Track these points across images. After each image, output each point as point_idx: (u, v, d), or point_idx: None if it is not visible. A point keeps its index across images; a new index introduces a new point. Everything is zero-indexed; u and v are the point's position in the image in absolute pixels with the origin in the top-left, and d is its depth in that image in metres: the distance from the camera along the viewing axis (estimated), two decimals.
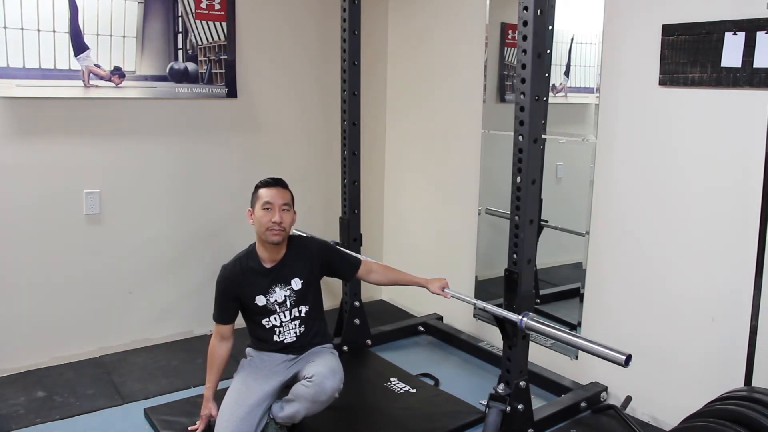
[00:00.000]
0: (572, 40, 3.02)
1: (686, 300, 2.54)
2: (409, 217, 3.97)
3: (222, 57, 3.38)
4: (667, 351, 2.62)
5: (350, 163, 3.22)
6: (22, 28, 2.83)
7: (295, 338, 2.53)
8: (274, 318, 2.51)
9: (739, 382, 2.27)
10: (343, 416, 2.69)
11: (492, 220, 3.35)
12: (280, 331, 2.52)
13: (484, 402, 2.46)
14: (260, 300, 2.48)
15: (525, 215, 2.31)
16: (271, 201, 2.44)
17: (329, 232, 3.52)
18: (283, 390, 2.49)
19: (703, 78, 2.39)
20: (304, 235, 2.82)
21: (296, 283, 2.51)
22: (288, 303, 2.50)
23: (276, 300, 2.49)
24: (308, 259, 2.55)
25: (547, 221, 3.13)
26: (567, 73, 3.04)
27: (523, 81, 2.24)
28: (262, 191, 2.48)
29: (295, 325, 2.52)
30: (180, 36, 3.25)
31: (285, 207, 2.45)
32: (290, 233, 2.56)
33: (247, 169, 3.55)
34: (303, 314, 2.53)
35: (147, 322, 3.41)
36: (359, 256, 2.90)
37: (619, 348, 2.05)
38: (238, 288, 2.49)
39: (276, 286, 2.49)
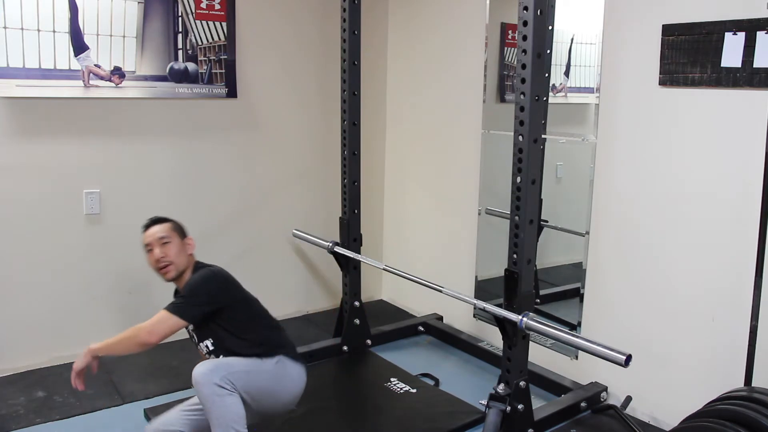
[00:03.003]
0: (572, 40, 3.01)
1: (686, 300, 2.54)
2: (409, 217, 3.97)
3: (222, 57, 3.38)
4: (667, 351, 2.62)
5: (350, 163, 3.22)
6: (22, 28, 2.83)
7: None
8: (199, 348, 2.41)
9: (739, 382, 2.27)
10: (343, 416, 2.69)
11: (492, 220, 3.35)
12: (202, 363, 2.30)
13: (484, 402, 2.45)
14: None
15: (525, 215, 2.31)
16: (148, 242, 2.39)
17: (329, 232, 3.52)
18: None
19: (703, 78, 2.39)
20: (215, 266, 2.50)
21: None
22: (194, 338, 2.40)
23: (190, 330, 2.40)
24: None
25: (547, 221, 3.13)
26: (567, 73, 3.04)
27: (523, 81, 2.24)
28: (142, 237, 2.42)
29: (210, 358, 2.34)
30: (180, 36, 3.25)
31: (164, 240, 2.37)
32: (201, 262, 2.44)
33: (247, 170, 3.56)
34: (211, 348, 2.35)
35: None
36: (160, 312, 2.29)
37: (619, 348, 2.05)
38: None
39: None
